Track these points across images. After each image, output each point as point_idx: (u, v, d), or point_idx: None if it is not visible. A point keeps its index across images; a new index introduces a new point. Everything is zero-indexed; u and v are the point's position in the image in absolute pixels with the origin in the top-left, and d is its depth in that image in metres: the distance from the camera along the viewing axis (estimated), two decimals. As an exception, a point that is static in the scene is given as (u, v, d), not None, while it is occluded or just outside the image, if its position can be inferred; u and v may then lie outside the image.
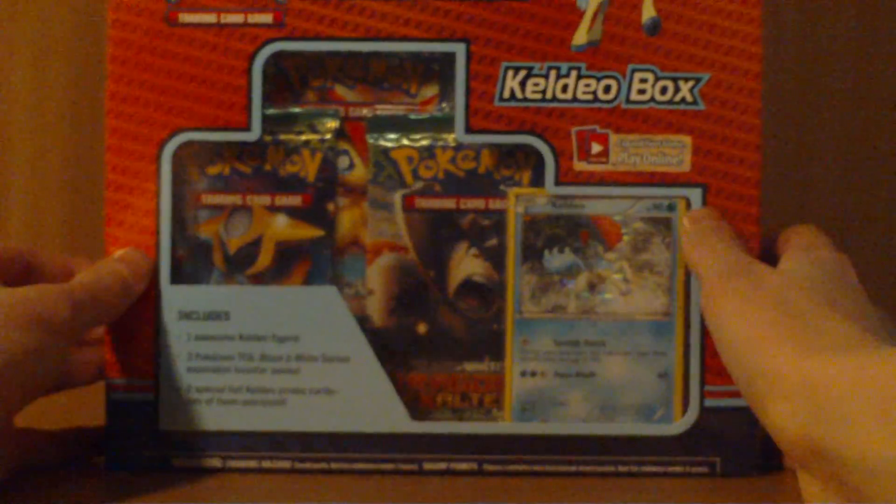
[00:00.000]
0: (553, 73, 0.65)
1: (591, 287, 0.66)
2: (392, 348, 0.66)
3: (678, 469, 0.65)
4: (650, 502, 0.63)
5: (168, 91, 0.65)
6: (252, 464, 0.65)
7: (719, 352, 0.60)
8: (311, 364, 0.65)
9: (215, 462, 0.65)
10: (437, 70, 0.67)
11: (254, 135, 0.65)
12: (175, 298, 0.65)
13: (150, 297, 0.65)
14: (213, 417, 0.65)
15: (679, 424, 0.65)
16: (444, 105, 0.67)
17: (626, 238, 0.65)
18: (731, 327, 0.59)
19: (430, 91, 0.67)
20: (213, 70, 0.65)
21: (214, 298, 0.65)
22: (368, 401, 0.65)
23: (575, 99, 0.65)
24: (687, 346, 0.65)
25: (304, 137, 0.66)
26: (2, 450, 0.62)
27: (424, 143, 0.66)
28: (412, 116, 0.67)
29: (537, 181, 0.66)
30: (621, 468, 0.65)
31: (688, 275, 0.65)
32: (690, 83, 0.65)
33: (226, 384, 0.65)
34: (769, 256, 0.64)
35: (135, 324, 0.65)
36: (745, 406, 0.64)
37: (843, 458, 0.52)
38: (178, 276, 0.65)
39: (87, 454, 0.67)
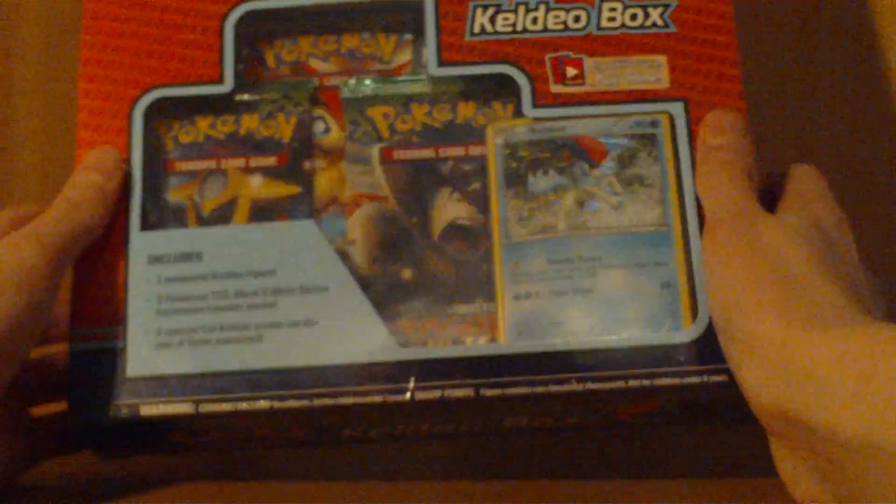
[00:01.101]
0: (522, 8, 0.65)
1: (581, 204, 0.62)
2: (378, 295, 0.62)
3: (695, 380, 0.59)
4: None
5: (140, 53, 0.65)
6: (227, 406, 0.59)
7: (707, 294, 0.59)
8: (289, 297, 0.61)
9: (187, 407, 0.59)
10: (409, 40, 0.67)
11: (226, 87, 0.64)
12: (145, 244, 0.62)
13: (118, 244, 0.62)
14: (185, 360, 0.60)
15: (691, 331, 0.60)
16: (418, 70, 0.66)
17: (611, 154, 0.63)
18: (721, 278, 0.58)
19: (403, 57, 0.67)
20: (186, 32, 0.65)
21: (187, 241, 0.62)
22: (352, 330, 0.60)
23: (546, 30, 0.65)
24: (688, 254, 0.61)
25: (278, 104, 0.65)
26: (20, 444, 0.59)
27: (399, 99, 0.65)
28: (387, 80, 0.66)
29: (515, 117, 0.64)
30: (632, 382, 0.59)
31: (680, 185, 0.62)
32: (660, 9, 0.65)
33: (198, 324, 0.60)
34: (768, 196, 0.62)
35: (102, 271, 0.61)
36: None
37: (815, 429, 0.52)
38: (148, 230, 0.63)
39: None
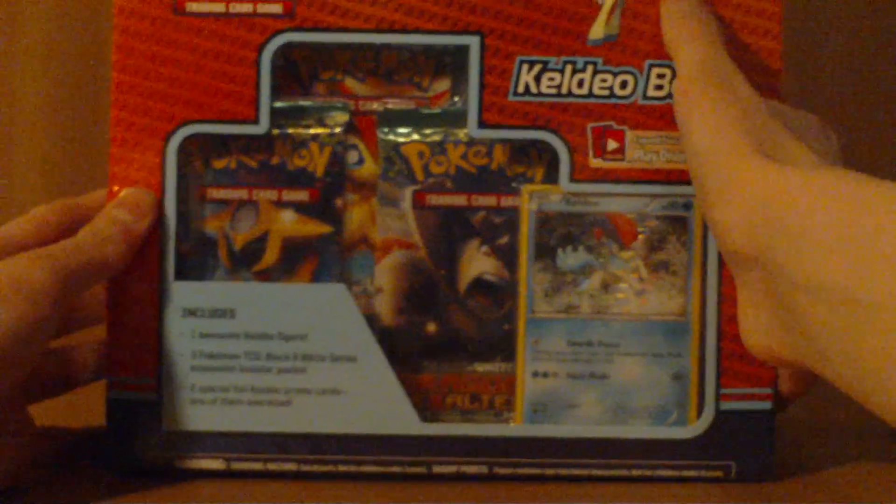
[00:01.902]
0: (569, 68, 0.63)
1: (606, 286, 0.64)
2: (401, 348, 0.65)
3: (692, 473, 0.64)
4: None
5: (174, 82, 0.63)
6: (257, 466, 0.63)
7: (684, 150, 0.59)
8: (319, 363, 0.63)
9: (219, 464, 0.63)
10: (449, 64, 0.65)
11: (262, 128, 0.63)
12: (179, 295, 0.63)
13: (153, 294, 0.63)
14: (218, 418, 0.63)
15: (694, 428, 0.64)
16: (456, 99, 0.65)
17: (641, 237, 0.64)
18: (696, 130, 0.58)
19: (442, 85, 0.66)
20: (221, 61, 0.63)
21: (220, 295, 0.63)
22: (376, 402, 0.63)
23: (591, 94, 0.63)
24: (703, 347, 0.64)
25: (312, 131, 0.65)
26: (24, 449, 0.61)
27: (436, 138, 0.65)
28: (424, 111, 0.65)
29: (550, 178, 0.64)
30: (634, 472, 0.64)
31: (704, 275, 0.64)
32: (709, 79, 0.63)
33: (230, 383, 0.63)
34: None
35: (137, 321, 0.63)
36: (762, 409, 0.64)
37: (789, 275, 0.51)
38: (182, 272, 0.64)
39: (91, 455, 0.66)
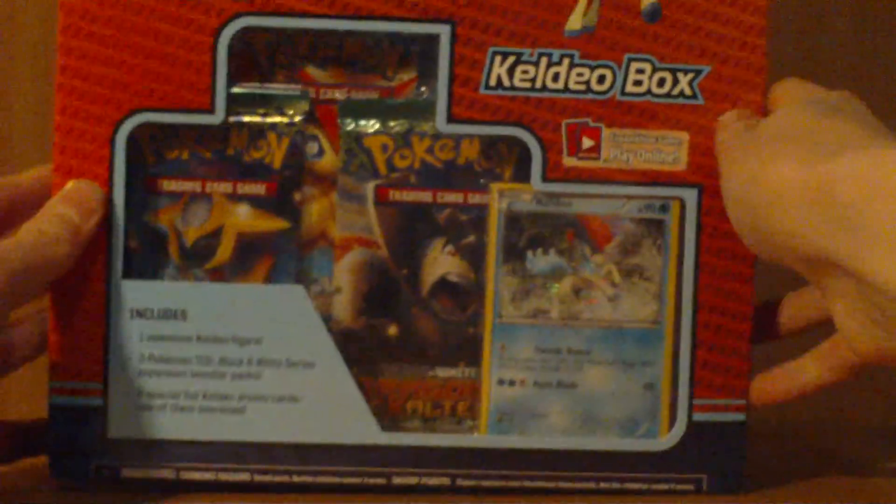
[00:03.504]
0: (544, 61, 0.60)
1: (577, 292, 0.61)
2: (360, 351, 0.61)
3: (662, 487, 0.62)
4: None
5: (124, 67, 0.59)
6: (208, 476, 0.60)
7: (724, 184, 0.57)
8: (274, 369, 0.60)
9: (168, 473, 0.60)
10: (416, 52, 0.62)
11: (217, 118, 0.59)
12: (128, 295, 0.59)
13: (100, 293, 0.59)
14: (167, 425, 0.60)
15: (665, 440, 0.61)
16: (423, 90, 0.62)
17: (615, 240, 0.61)
18: (736, 158, 0.56)
19: (408, 74, 0.62)
20: (175, 45, 0.59)
21: (171, 295, 0.60)
22: (335, 410, 0.60)
23: (566, 89, 0.60)
24: (676, 356, 0.61)
25: (270, 120, 0.61)
26: None
27: (400, 130, 0.61)
28: (388, 101, 0.62)
29: (521, 175, 0.61)
30: (603, 485, 0.61)
31: (680, 281, 0.61)
32: (690, 76, 0.60)
33: (181, 389, 0.60)
34: None
35: (83, 321, 0.59)
36: (734, 421, 0.62)
37: (857, 271, 0.48)
38: (130, 270, 0.60)
39: (34, 450, 0.63)
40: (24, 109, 0.78)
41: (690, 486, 0.62)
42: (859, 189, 0.48)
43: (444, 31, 0.59)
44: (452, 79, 0.60)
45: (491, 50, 0.60)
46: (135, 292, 0.59)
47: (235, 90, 0.60)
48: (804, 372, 0.61)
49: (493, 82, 0.60)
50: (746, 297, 0.61)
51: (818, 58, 0.80)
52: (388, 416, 0.62)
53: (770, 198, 0.52)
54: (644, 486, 0.62)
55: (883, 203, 0.47)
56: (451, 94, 0.60)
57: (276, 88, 0.61)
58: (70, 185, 0.59)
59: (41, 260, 0.57)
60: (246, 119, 0.61)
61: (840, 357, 0.60)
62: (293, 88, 0.61)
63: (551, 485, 0.61)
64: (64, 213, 0.58)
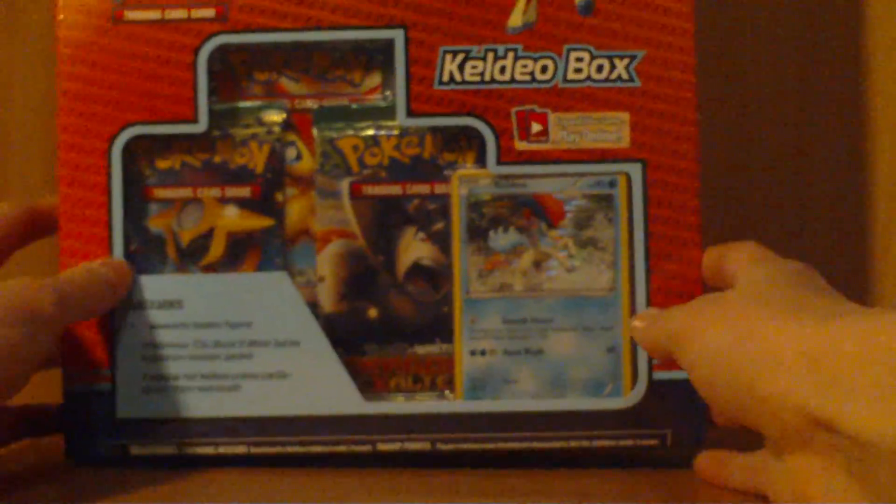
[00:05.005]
0: (490, 56, 0.66)
1: (537, 265, 0.67)
2: (344, 333, 0.67)
3: (629, 443, 0.66)
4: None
5: (116, 87, 0.66)
6: (209, 450, 0.66)
7: (696, 361, 0.57)
8: (264, 349, 0.66)
9: (172, 449, 0.66)
10: (379, 60, 0.68)
11: (201, 127, 0.66)
12: (130, 289, 0.66)
13: None
14: (170, 405, 0.66)
15: (628, 398, 0.66)
16: (388, 94, 0.68)
17: (569, 215, 0.67)
18: (710, 323, 0.56)
19: (374, 81, 0.69)
20: (160, 65, 0.66)
21: (168, 288, 0.66)
22: (321, 384, 0.66)
23: (513, 80, 0.66)
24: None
25: (251, 131, 0.68)
26: None
27: (369, 132, 0.68)
28: (355, 106, 0.68)
29: (480, 164, 0.67)
30: (573, 443, 0.66)
31: (632, 250, 0.66)
32: (626, 61, 0.66)
33: (181, 371, 0.66)
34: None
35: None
36: None
37: (846, 432, 0.49)
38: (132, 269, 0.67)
39: (45, 432, 0.69)
40: (25, 109, 0.83)
41: (656, 442, 0.66)
42: (851, 355, 0.49)
43: (398, 35, 0.66)
44: (409, 77, 0.66)
45: (442, 49, 0.66)
46: (136, 287, 0.66)
47: (217, 107, 0.67)
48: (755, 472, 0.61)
49: (445, 78, 0.66)
50: (696, 261, 0.66)
51: (744, 40, 0.83)
52: (372, 392, 0.67)
53: (763, 357, 0.53)
54: (612, 443, 0.66)
55: (872, 369, 0.48)
56: (408, 91, 0.66)
57: (254, 102, 0.68)
58: (103, 259, 0.66)
59: (88, 296, 0.64)
60: (230, 130, 0.67)
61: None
62: (271, 101, 0.68)
63: (525, 445, 0.66)
64: (105, 272, 0.65)
